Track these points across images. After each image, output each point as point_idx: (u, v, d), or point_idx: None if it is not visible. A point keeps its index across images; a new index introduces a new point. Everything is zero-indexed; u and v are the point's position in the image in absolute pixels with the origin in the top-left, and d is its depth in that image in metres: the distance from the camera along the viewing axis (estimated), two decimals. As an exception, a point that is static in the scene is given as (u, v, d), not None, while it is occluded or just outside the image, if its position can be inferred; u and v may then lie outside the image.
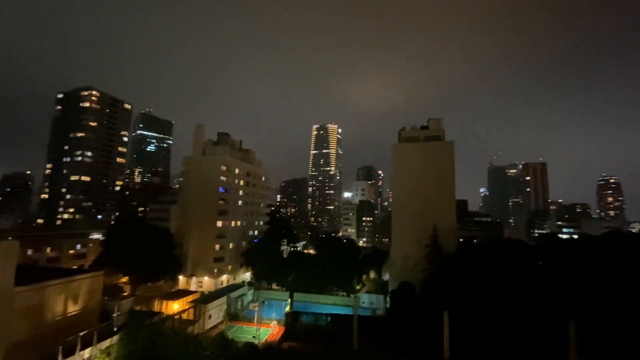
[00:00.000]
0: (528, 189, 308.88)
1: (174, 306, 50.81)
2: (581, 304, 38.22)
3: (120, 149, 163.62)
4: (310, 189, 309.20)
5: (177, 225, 76.27)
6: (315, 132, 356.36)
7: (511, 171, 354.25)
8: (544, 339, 37.86)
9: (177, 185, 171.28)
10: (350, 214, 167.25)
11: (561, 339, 36.00)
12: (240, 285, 71.38)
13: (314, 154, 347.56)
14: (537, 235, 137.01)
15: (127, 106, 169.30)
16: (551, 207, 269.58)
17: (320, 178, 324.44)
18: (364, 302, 64.32)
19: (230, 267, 77.45)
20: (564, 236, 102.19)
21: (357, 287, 73.90)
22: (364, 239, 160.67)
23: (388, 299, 58.97)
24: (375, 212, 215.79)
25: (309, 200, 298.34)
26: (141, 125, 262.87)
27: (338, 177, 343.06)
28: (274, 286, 73.77)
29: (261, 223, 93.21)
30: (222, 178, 77.24)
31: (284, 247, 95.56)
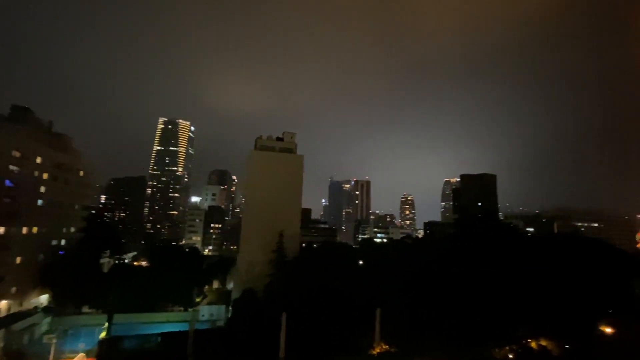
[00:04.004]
0: (357, 201, 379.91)
1: None
2: (385, 293, 48.78)
3: None
4: (149, 190, 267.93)
5: None
6: (162, 126, 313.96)
7: (346, 186, 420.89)
8: (361, 326, 45.77)
9: None
10: (197, 220, 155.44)
11: (371, 324, 44.50)
12: (31, 312, 53.92)
13: (157, 150, 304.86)
14: (360, 239, 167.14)
15: None
16: (371, 217, 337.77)
17: (163, 178, 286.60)
18: (203, 315, 60.85)
19: (14, 289, 56.77)
20: (378, 240, 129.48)
21: (198, 300, 68.85)
22: (210, 247, 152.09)
23: (231, 308, 57.58)
24: (226, 218, 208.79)
25: (147, 203, 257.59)
26: None
27: (186, 179, 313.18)
28: (86, 309, 59.32)
29: (73, 230, 73.40)
30: (13, 168, 56.76)
31: (105, 260, 78.50)
